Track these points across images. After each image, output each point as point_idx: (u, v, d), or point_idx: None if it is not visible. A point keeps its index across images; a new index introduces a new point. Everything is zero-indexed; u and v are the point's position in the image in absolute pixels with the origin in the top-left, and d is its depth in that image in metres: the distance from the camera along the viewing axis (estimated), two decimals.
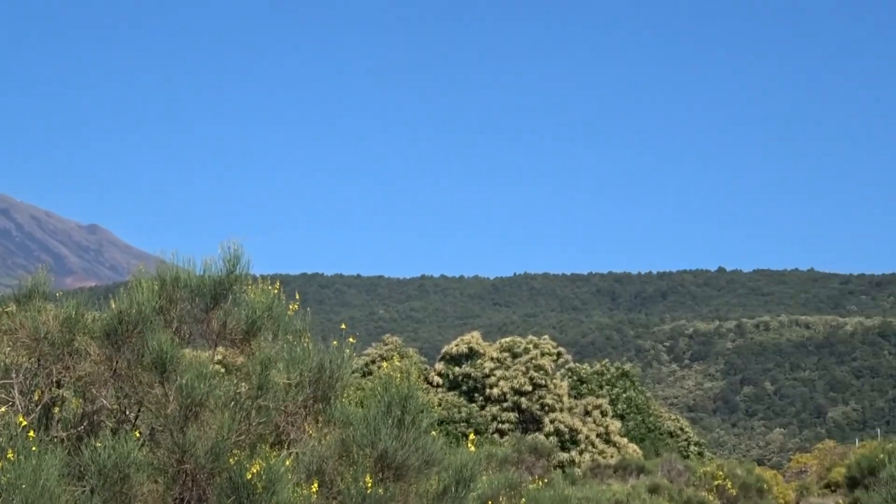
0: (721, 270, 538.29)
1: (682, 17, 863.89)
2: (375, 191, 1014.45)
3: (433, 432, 13.34)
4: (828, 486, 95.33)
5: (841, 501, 75.12)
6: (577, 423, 64.11)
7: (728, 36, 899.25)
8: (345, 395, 13.51)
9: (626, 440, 67.70)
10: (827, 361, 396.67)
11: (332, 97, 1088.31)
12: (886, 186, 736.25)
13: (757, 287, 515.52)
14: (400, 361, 15.13)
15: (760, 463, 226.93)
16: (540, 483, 30.58)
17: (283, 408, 12.94)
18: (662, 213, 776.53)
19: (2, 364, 12.63)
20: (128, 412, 13.04)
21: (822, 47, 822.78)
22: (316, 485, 12.53)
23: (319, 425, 13.28)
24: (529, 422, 64.20)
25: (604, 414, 67.19)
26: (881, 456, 59.10)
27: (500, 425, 63.32)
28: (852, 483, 70.03)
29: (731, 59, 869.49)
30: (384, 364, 13.94)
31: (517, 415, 64.17)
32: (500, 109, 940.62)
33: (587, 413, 66.60)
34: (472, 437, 14.69)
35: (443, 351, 70.36)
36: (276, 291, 13.84)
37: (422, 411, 13.18)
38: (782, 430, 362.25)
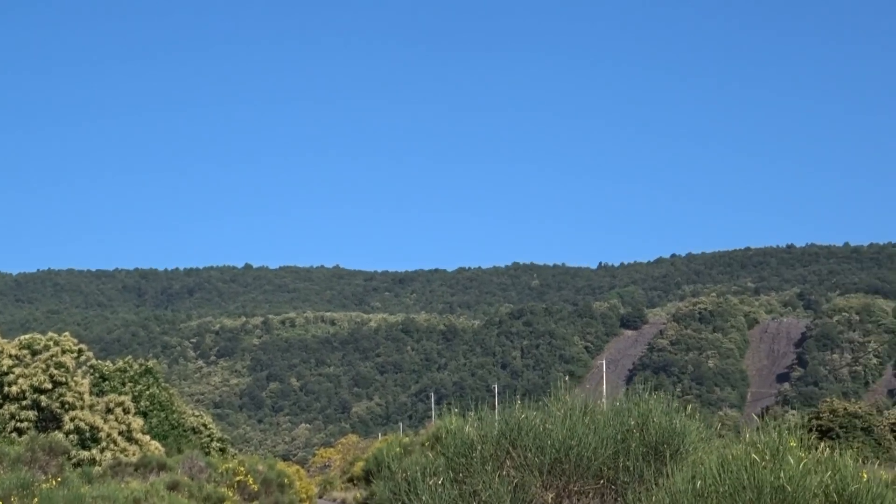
0: (248, 267, 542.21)
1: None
2: None
3: None
4: (351, 479, 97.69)
5: (359, 495, 77.08)
6: (99, 421, 62.65)
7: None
8: None
9: (148, 437, 67.05)
10: (352, 357, 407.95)
11: None
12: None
13: (283, 284, 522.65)
14: None
15: (286, 458, 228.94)
16: (54, 482, 29.40)
17: None
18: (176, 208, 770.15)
19: None
20: None
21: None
22: None
23: None
24: (49, 420, 62.22)
25: (126, 411, 66.14)
26: (397, 449, 61.11)
27: (18, 424, 61.11)
28: (369, 476, 72.04)
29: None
30: None
31: (36, 413, 62.04)
32: None
33: (109, 410, 65.33)
34: None
35: None
36: None
37: None
38: (308, 425, 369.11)
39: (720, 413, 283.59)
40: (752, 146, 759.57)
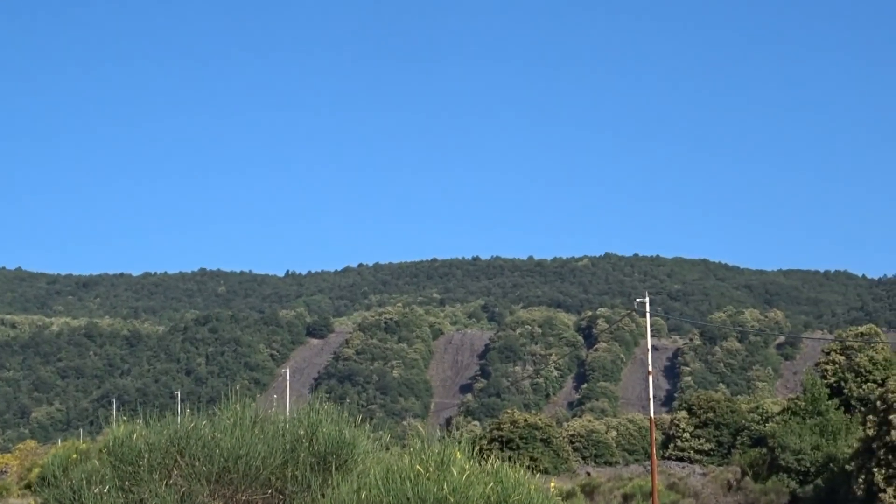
0: None
1: None
2: None
3: None
4: (28, 486, 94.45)
5: (33, 502, 74.36)
6: None
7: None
8: None
9: None
10: (32, 361, 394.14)
11: None
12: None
13: None
14: None
15: None
16: None
17: None
18: None
19: None
20: None
21: None
22: None
23: None
24: None
25: None
26: (74, 455, 59.16)
27: None
28: (44, 483, 69.45)
29: None
30: None
31: None
32: None
33: None
34: None
35: None
36: None
37: None
38: None
39: (404, 423, 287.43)
40: (430, 162, 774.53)
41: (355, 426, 14.58)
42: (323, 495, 13.13)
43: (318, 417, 14.65)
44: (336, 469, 13.89)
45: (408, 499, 11.87)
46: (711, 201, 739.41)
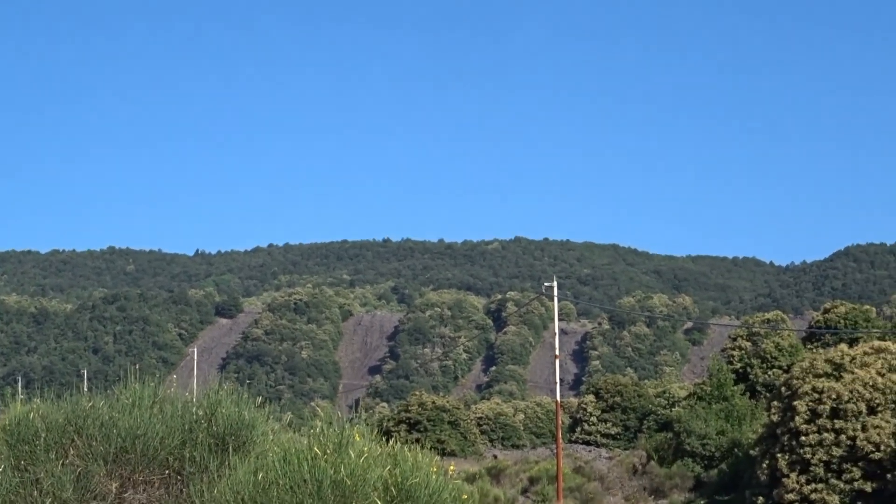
0: None
1: None
2: None
3: None
4: None
5: None
6: None
7: None
8: None
9: None
10: None
11: None
12: None
13: None
14: None
15: None
16: None
17: None
18: None
19: None
20: None
21: None
22: None
23: None
24: None
25: None
26: None
27: None
28: None
29: None
30: None
31: None
32: None
33: None
34: None
35: None
36: None
37: None
38: None
39: (312, 404, 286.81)
40: (342, 143, 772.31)
41: (256, 407, 14.40)
42: (220, 476, 12.97)
43: (217, 398, 14.47)
44: (234, 450, 13.72)
45: (305, 481, 11.76)
46: (621, 187, 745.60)
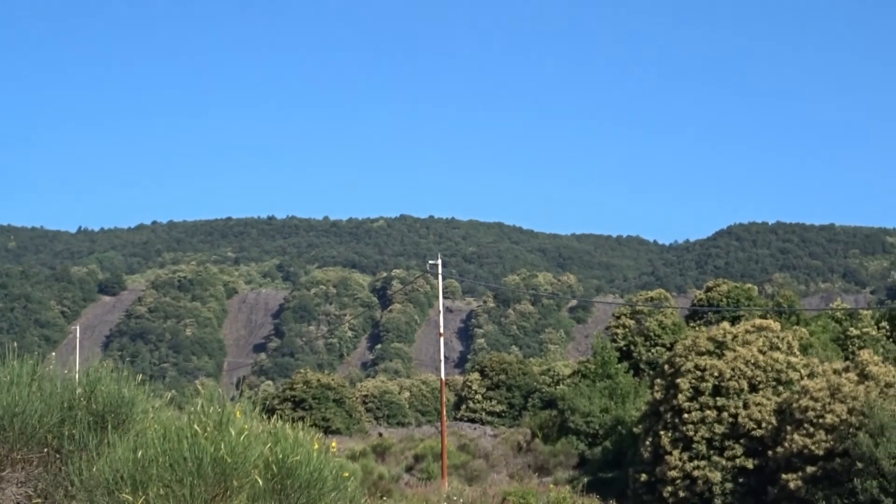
0: None
1: None
2: None
3: None
4: None
5: None
6: None
7: None
8: None
9: None
10: None
11: None
12: None
13: None
14: None
15: None
16: None
17: None
18: None
19: None
20: None
21: None
22: None
23: None
24: None
25: None
26: None
27: None
28: None
29: None
30: None
31: None
32: None
33: None
34: None
35: None
36: None
37: None
38: None
39: (196, 382, 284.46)
40: (227, 119, 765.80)
41: (136, 385, 14.27)
42: (99, 455, 12.85)
43: (97, 375, 14.31)
44: (114, 428, 13.59)
45: (185, 458, 11.70)
46: (506, 164, 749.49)
